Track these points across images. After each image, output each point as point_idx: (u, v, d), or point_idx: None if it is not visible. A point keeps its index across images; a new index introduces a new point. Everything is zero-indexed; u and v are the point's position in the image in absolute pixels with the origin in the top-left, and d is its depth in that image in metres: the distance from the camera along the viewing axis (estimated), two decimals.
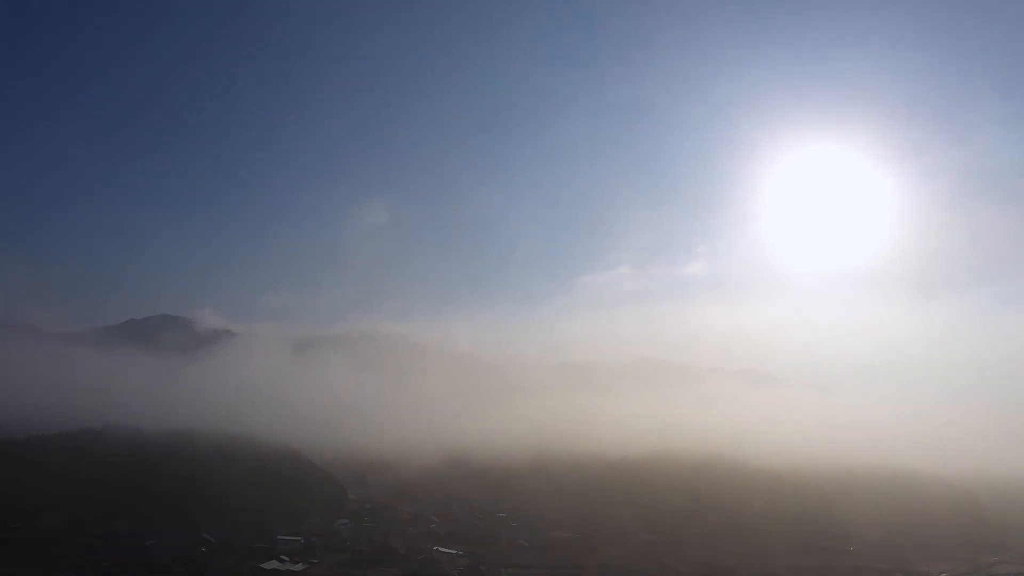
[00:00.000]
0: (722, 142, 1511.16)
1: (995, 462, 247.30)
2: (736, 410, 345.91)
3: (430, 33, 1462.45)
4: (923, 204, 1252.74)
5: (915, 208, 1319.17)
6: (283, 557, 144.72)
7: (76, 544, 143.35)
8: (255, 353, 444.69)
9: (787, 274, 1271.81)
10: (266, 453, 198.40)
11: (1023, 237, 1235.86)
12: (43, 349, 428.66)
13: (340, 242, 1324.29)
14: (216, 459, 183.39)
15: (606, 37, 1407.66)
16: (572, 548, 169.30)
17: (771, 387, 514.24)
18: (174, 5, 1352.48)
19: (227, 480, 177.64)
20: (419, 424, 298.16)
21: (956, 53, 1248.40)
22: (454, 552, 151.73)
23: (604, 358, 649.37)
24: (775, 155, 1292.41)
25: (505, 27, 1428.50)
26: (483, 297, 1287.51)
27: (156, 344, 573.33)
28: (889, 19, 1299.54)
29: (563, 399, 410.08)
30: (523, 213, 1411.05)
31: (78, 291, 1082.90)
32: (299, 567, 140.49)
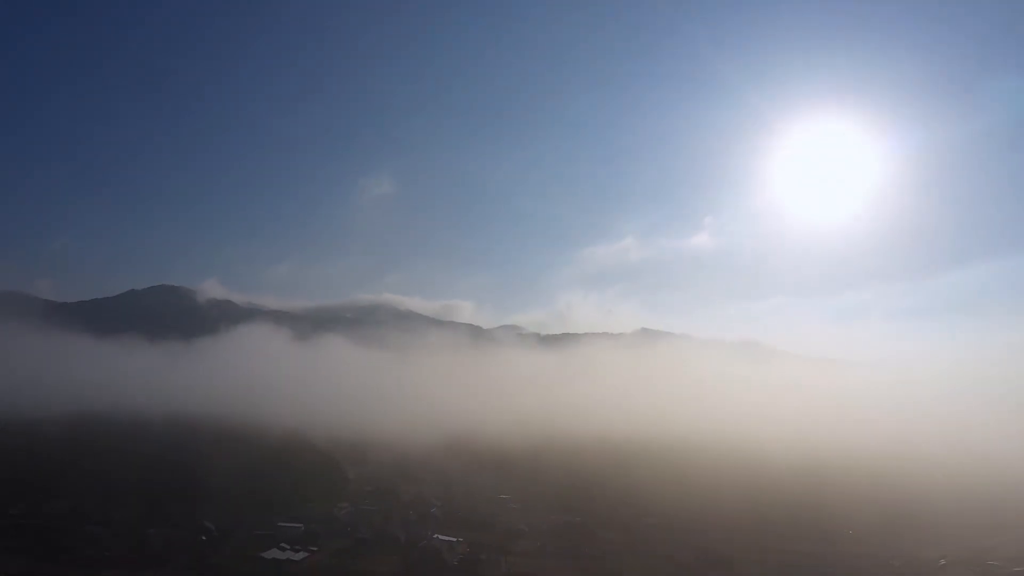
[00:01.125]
0: (730, 115, 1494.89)
1: (997, 445, 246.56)
2: (736, 387, 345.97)
3: (440, 4, 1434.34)
4: (929, 177, 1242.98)
5: (921, 181, 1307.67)
6: (283, 545, 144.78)
7: (76, 532, 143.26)
8: (255, 334, 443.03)
9: (793, 246, 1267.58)
10: (267, 436, 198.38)
11: None
12: (42, 324, 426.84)
13: (345, 214, 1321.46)
14: (216, 443, 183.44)
15: (614, 13, 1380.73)
16: (572, 533, 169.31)
17: (772, 361, 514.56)
18: None
19: (227, 465, 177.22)
20: (420, 402, 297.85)
21: (964, 28, 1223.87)
22: (454, 540, 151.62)
23: (605, 329, 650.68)
24: (782, 128, 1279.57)
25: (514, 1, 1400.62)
26: (487, 268, 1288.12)
27: (157, 316, 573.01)
28: None
29: (563, 375, 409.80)
30: (530, 186, 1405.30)
31: (80, 262, 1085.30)
32: (300, 556, 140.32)
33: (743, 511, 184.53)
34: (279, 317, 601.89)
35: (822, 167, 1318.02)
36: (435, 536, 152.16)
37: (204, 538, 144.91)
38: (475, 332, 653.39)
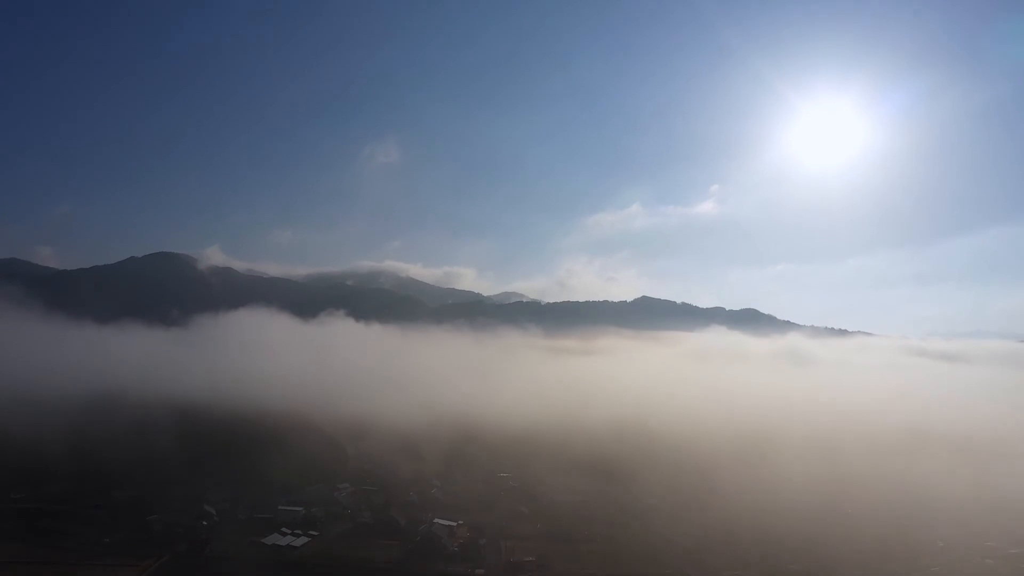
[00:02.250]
0: (739, 85, 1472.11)
1: (998, 425, 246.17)
2: (736, 361, 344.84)
3: None
4: (933, 144, 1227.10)
5: (925, 148, 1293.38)
6: (284, 530, 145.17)
7: (76, 517, 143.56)
8: (255, 312, 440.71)
9: (797, 214, 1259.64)
10: (267, 416, 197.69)
11: None
12: (42, 293, 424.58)
13: (349, 181, 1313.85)
14: (217, 425, 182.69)
15: None
16: (572, 514, 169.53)
17: (773, 330, 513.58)
18: None
19: (228, 446, 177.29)
20: (421, 379, 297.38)
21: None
22: (454, 524, 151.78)
23: (606, 297, 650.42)
24: (790, 97, 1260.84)
25: None
26: (490, 235, 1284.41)
27: (156, 284, 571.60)
28: None
29: (562, 349, 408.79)
30: (536, 152, 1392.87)
31: (81, 229, 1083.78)
32: (300, 541, 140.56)
33: (742, 491, 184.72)
34: (279, 285, 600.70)
35: (828, 135, 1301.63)
36: (435, 521, 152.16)
37: (205, 523, 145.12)
38: (476, 298, 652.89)
